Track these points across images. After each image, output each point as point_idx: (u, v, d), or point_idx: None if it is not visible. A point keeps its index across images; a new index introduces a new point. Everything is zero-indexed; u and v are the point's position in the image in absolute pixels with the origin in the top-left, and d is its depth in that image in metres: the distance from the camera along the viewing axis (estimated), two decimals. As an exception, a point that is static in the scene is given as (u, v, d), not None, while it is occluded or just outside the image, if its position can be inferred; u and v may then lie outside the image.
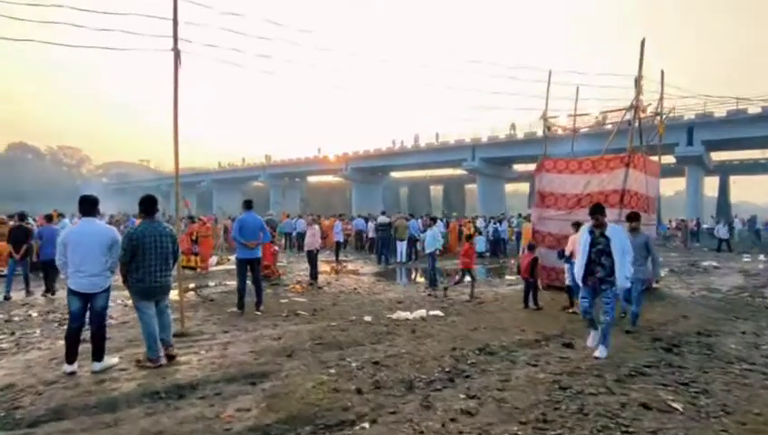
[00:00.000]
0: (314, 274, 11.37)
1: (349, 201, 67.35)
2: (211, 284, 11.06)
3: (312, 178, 79.32)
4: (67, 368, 4.38)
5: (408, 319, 6.94)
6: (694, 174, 40.15)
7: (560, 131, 11.85)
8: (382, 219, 16.00)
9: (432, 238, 10.57)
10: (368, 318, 6.98)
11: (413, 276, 13.74)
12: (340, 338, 5.75)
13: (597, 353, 5.01)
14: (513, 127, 46.36)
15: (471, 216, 28.19)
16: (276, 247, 13.96)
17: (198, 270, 13.15)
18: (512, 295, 9.62)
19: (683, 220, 28.91)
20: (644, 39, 8.97)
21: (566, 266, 8.06)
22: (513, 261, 17.19)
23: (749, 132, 34.57)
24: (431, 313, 7.41)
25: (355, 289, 10.40)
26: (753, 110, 33.77)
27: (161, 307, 4.90)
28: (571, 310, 7.73)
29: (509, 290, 10.54)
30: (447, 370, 4.54)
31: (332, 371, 4.50)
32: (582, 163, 10.36)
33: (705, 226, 31.88)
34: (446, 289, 9.55)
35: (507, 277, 13.31)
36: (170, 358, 4.90)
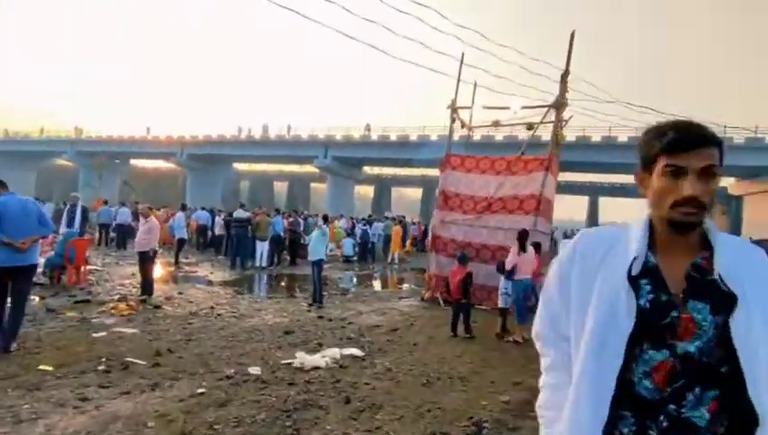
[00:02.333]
0: (148, 286, 8.00)
1: (181, 191, 59.33)
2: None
3: (136, 162, 68.18)
4: None
5: (319, 368, 4.54)
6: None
7: (469, 131, 10.36)
8: (240, 214, 12.92)
9: (319, 241, 8.22)
10: (255, 370, 4.36)
11: (280, 286, 11.11)
12: (225, 431, 3.10)
13: None
14: (368, 128, 46.01)
15: (333, 215, 26.08)
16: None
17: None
18: (421, 314, 7.88)
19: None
20: (574, 31, 8.14)
21: (501, 284, 6.57)
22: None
23: (620, 159, 37.86)
24: (344, 352, 5.12)
25: (213, 308, 7.45)
26: (622, 139, 37.53)
27: None
28: (510, 338, 6.25)
29: (409, 306, 8.79)
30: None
31: None
32: (495, 162, 9.20)
33: None
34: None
35: (383, 288, 11.65)
36: None
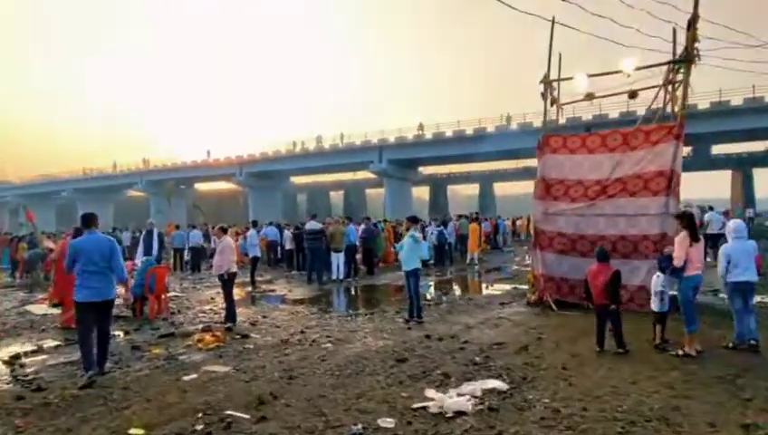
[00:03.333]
0: (232, 312, 7.36)
1: (243, 210, 61.08)
2: (51, 342, 6.51)
3: (200, 186, 71.12)
4: None
5: (464, 413, 3.51)
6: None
7: (559, 108, 8.75)
8: (312, 225, 12.24)
9: (413, 248, 7.22)
10: (387, 423, 3.39)
11: (365, 299, 10.25)
12: None
13: None
14: (420, 127, 44.89)
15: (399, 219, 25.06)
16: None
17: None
18: (542, 324, 6.67)
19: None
20: (700, -35, 6.65)
21: (658, 283, 5.23)
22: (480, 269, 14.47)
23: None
24: (484, 386, 4.06)
25: (304, 332, 6.66)
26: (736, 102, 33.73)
27: None
28: (678, 351, 4.92)
29: (518, 314, 7.60)
30: None
31: None
32: (607, 138, 7.81)
33: None
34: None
35: (476, 293, 10.41)
36: None
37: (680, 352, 4.86)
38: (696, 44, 6.73)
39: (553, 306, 7.76)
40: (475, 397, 3.79)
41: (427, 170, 60.95)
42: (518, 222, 29.94)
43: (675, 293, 5.37)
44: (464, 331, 6.47)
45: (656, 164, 7.15)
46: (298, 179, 68.44)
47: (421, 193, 74.82)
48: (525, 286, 10.74)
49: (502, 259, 17.74)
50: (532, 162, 52.13)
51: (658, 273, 5.23)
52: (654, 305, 5.24)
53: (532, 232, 8.70)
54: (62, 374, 5.01)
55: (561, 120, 9.65)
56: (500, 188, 76.53)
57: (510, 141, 39.65)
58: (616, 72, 7.56)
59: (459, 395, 3.81)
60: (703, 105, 33.04)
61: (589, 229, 7.78)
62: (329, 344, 5.92)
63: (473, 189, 75.58)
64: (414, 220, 7.50)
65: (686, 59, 6.87)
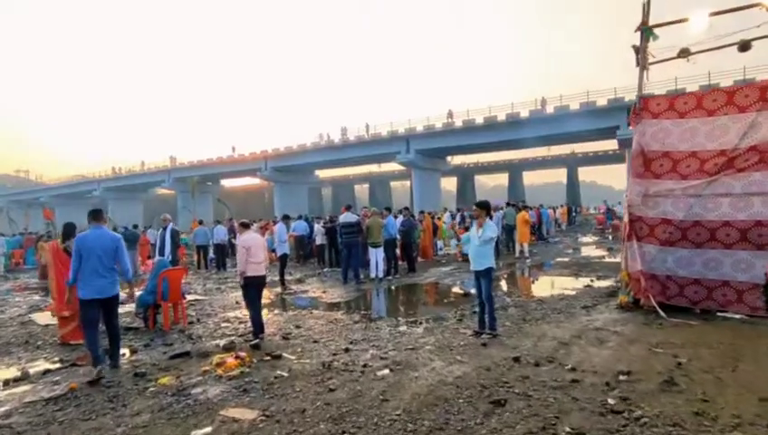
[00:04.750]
0: (259, 324, 5.99)
1: (269, 205, 60.45)
2: (42, 365, 5.28)
3: (225, 183, 70.95)
4: None
5: None
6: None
7: (643, 70, 6.91)
8: (348, 218, 10.80)
9: (485, 244, 5.69)
10: None
11: (412, 302, 8.77)
12: None
13: None
14: (450, 114, 42.93)
15: (434, 210, 23.47)
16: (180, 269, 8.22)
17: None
18: (663, 340, 5.03)
19: None
20: None
21: None
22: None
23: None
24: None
25: (348, 351, 5.22)
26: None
27: None
28: None
29: (620, 322, 5.97)
30: None
31: None
32: (735, 95, 6.04)
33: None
34: None
35: (543, 293, 8.75)
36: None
37: None
38: None
39: (660, 312, 6.13)
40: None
41: (454, 160, 58.93)
42: (558, 211, 28.19)
43: None
44: (560, 350, 4.90)
45: (809, 125, 5.40)
46: (323, 173, 67.43)
47: (446, 184, 72.88)
48: (602, 284, 9.14)
49: (553, 251, 16.03)
50: (565, 149, 49.70)
51: None
52: None
53: (624, 219, 6.99)
54: (37, 420, 3.72)
55: (647, 85, 7.79)
56: (527, 178, 74.23)
57: (545, 126, 37.45)
58: (752, 6, 5.77)
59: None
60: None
61: (707, 214, 6.07)
62: (386, 371, 4.46)
63: (498, 180, 73.50)
64: (485, 207, 5.89)
65: None
